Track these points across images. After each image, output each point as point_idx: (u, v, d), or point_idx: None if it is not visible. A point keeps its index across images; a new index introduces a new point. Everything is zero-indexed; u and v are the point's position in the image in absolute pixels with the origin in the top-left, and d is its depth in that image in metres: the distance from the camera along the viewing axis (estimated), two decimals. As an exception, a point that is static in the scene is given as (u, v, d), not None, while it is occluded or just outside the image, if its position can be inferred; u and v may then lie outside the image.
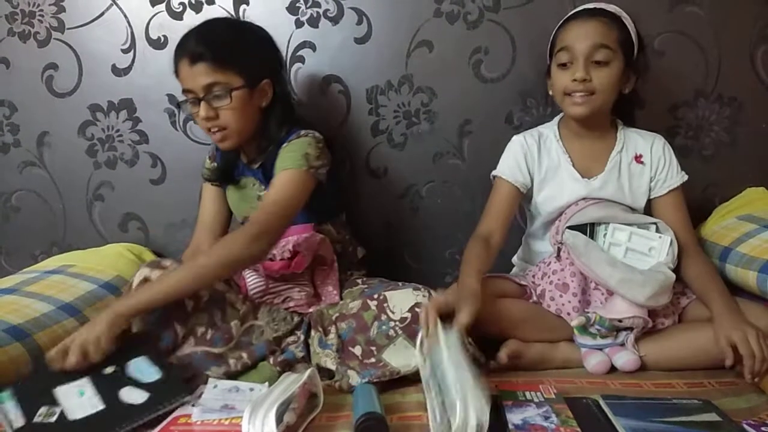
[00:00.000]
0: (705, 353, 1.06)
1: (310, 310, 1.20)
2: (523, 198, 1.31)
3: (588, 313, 1.12)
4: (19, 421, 0.86)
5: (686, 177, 1.27)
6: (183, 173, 1.53)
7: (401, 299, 1.08)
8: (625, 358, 1.08)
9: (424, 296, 1.08)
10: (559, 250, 1.21)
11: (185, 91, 1.19)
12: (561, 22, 1.23)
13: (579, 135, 1.27)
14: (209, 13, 1.46)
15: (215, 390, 0.94)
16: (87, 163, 1.57)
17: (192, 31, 1.18)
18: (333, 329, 1.10)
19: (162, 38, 1.48)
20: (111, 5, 1.49)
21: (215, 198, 1.38)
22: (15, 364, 1.01)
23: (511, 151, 1.29)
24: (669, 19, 1.43)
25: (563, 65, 1.19)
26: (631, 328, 1.10)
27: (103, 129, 1.55)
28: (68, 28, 1.51)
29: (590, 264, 1.13)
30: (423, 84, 1.48)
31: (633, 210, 1.26)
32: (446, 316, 0.97)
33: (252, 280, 1.22)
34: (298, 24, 1.47)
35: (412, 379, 1.01)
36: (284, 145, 1.21)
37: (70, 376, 0.94)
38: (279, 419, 0.80)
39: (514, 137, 1.31)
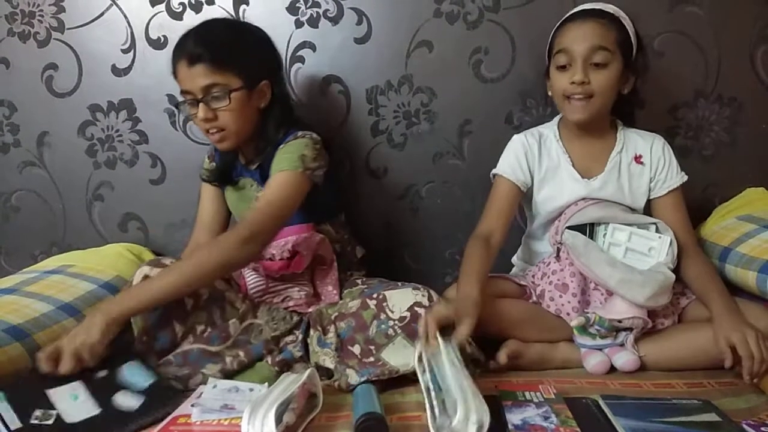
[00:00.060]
0: (705, 353, 1.06)
1: (310, 309, 1.20)
2: (523, 198, 1.31)
3: (587, 313, 1.12)
4: (14, 422, 0.86)
5: (686, 177, 1.27)
6: (183, 173, 1.53)
7: (400, 298, 1.08)
8: (624, 359, 1.08)
9: (423, 296, 1.08)
10: (558, 250, 1.21)
11: (183, 92, 1.19)
12: (559, 23, 1.23)
13: (579, 135, 1.27)
14: (209, 13, 1.46)
15: (215, 390, 0.94)
16: (87, 163, 1.57)
17: (190, 32, 1.18)
18: (332, 328, 1.10)
19: (162, 38, 1.49)
20: (111, 5, 1.49)
21: (214, 198, 1.38)
22: (14, 364, 1.00)
23: (512, 149, 1.29)
24: (669, 20, 1.43)
25: (562, 67, 1.19)
26: (630, 329, 1.10)
27: (103, 129, 1.55)
28: (68, 28, 1.51)
29: (590, 264, 1.13)
30: (423, 84, 1.48)
31: (633, 210, 1.26)
32: (446, 326, 0.97)
33: (251, 279, 1.22)
34: (298, 24, 1.47)
35: (412, 378, 1.01)
36: (281, 146, 1.20)
37: (61, 378, 0.93)
38: (278, 419, 0.80)
39: (515, 136, 1.30)
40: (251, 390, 0.95)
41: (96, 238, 1.59)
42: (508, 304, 1.16)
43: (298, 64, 1.48)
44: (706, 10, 1.42)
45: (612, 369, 1.09)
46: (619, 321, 1.09)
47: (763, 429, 0.84)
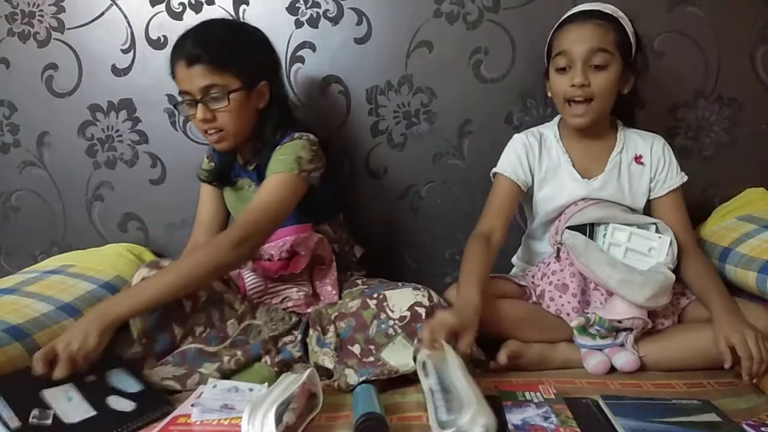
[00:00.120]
0: (705, 354, 1.05)
1: (309, 310, 1.20)
2: (523, 197, 1.30)
3: (587, 313, 1.12)
4: (14, 421, 0.86)
5: (686, 178, 1.27)
6: (183, 173, 1.53)
7: (401, 298, 1.08)
8: (624, 359, 1.08)
9: (423, 296, 1.08)
10: (558, 250, 1.21)
11: (182, 93, 1.19)
12: (557, 24, 1.23)
13: (579, 136, 1.27)
14: (209, 13, 1.46)
15: (214, 390, 0.94)
16: (87, 163, 1.57)
17: (189, 33, 1.18)
18: (332, 328, 1.10)
19: (162, 38, 1.49)
20: (111, 5, 1.49)
21: (213, 198, 1.38)
22: (14, 365, 1.00)
23: (513, 148, 1.29)
24: (668, 20, 1.43)
25: (561, 69, 1.19)
26: (630, 329, 1.10)
27: (103, 129, 1.55)
28: (68, 29, 1.51)
29: (590, 264, 1.13)
30: (423, 84, 1.48)
31: (633, 210, 1.25)
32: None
33: (250, 280, 1.23)
34: (298, 24, 1.47)
35: (412, 378, 1.01)
36: (278, 147, 1.20)
37: (52, 380, 0.93)
38: (278, 419, 0.80)
39: (516, 135, 1.30)
40: (251, 390, 0.95)
41: (96, 238, 1.59)
42: (508, 305, 1.16)
43: (298, 64, 1.48)
44: (706, 10, 1.42)
45: (612, 369, 1.09)
46: (619, 321, 1.09)
47: (763, 429, 0.84)
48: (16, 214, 1.62)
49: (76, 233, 1.60)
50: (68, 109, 1.54)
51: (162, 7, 1.48)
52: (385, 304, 1.08)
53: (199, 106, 1.16)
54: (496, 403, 0.88)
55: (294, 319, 1.16)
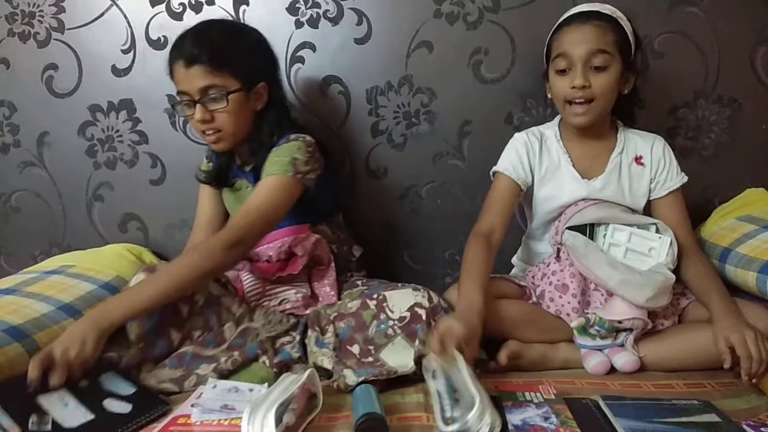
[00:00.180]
0: (705, 354, 1.05)
1: (307, 311, 1.19)
2: (523, 197, 1.30)
3: (588, 314, 1.12)
4: (13, 429, 0.85)
5: (686, 178, 1.27)
6: (183, 174, 1.53)
7: (401, 299, 1.08)
8: (624, 359, 1.08)
9: (423, 297, 1.08)
10: (558, 250, 1.21)
11: (180, 93, 1.19)
12: (556, 26, 1.23)
13: (579, 136, 1.27)
14: (209, 13, 1.46)
15: (214, 390, 0.94)
16: (87, 163, 1.57)
17: (187, 33, 1.18)
18: (331, 328, 1.09)
19: (162, 39, 1.49)
20: (111, 6, 1.49)
21: (212, 198, 1.38)
22: (14, 365, 1.00)
23: (514, 147, 1.28)
24: (668, 20, 1.43)
25: (561, 71, 1.18)
26: (630, 329, 1.10)
27: (103, 129, 1.55)
28: (68, 29, 1.51)
29: (590, 265, 1.13)
30: (423, 85, 1.48)
31: (632, 211, 1.25)
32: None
33: (248, 282, 1.22)
34: (298, 24, 1.47)
35: (412, 379, 1.01)
36: (274, 148, 1.20)
37: (46, 385, 0.92)
38: (278, 420, 0.80)
39: (516, 134, 1.30)
40: (251, 390, 0.95)
41: (96, 238, 1.59)
42: (508, 305, 1.16)
43: (298, 65, 1.48)
44: (706, 11, 1.42)
45: (612, 369, 1.09)
46: (619, 322, 1.09)
47: (762, 429, 0.84)
48: (16, 214, 1.62)
49: (76, 233, 1.60)
50: (68, 109, 1.54)
51: (162, 7, 1.48)
52: (384, 304, 1.08)
53: (198, 106, 1.16)
54: (497, 404, 0.88)
55: (292, 320, 1.15)
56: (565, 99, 1.19)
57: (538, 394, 0.93)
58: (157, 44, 1.49)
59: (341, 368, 1.02)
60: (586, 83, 1.15)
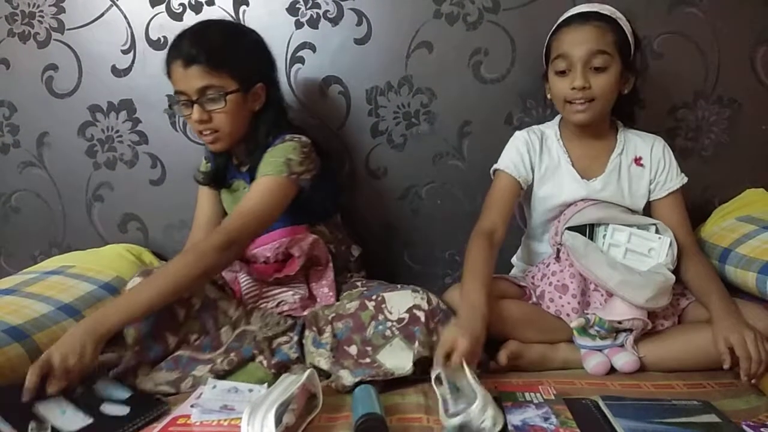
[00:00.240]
0: (704, 354, 1.05)
1: (304, 313, 1.18)
2: (523, 196, 1.30)
3: (587, 314, 1.12)
4: None
5: (686, 179, 1.27)
6: (182, 174, 1.53)
7: (399, 300, 1.08)
8: (624, 359, 1.08)
9: (422, 298, 1.07)
10: (558, 251, 1.21)
11: (177, 93, 1.18)
12: (555, 26, 1.23)
13: (579, 136, 1.27)
14: (209, 14, 1.46)
15: (214, 390, 0.94)
16: (86, 163, 1.57)
17: (186, 33, 1.17)
18: (328, 329, 1.09)
19: (162, 39, 1.48)
20: (111, 6, 1.49)
21: (211, 199, 1.38)
22: (14, 365, 1.00)
23: (514, 145, 1.28)
24: (668, 20, 1.43)
25: (561, 72, 1.18)
26: (630, 330, 1.10)
27: (103, 130, 1.55)
28: (68, 29, 1.51)
29: (589, 265, 1.13)
30: (423, 85, 1.48)
31: (632, 212, 1.25)
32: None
33: (245, 284, 1.22)
34: (298, 25, 1.47)
35: (412, 379, 1.01)
36: (269, 149, 1.20)
37: (42, 393, 0.92)
38: (278, 420, 0.80)
39: (517, 132, 1.30)
40: (251, 391, 0.95)
41: (96, 238, 1.59)
42: (508, 305, 1.16)
43: (298, 65, 1.48)
44: (706, 11, 1.42)
45: (612, 370, 1.09)
46: (619, 322, 1.09)
47: (762, 430, 0.84)
48: (16, 214, 1.62)
49: (76, 234, 1.60)
50: (68, 109, 1.54)
51: (162, 7, 1.48)
52: (383, 305, 1.08)
53: (195, 106, 1.16)
54: (498, 405, 0.88)
55: (289, 322, 1.15)
56: (565, 99, 1.19)
57: (538, 395, 0.93)
58: (157, 44, 1.49)
59: (337, 369, 1.02)
60: (586, 84, 1.15)
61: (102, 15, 1.50)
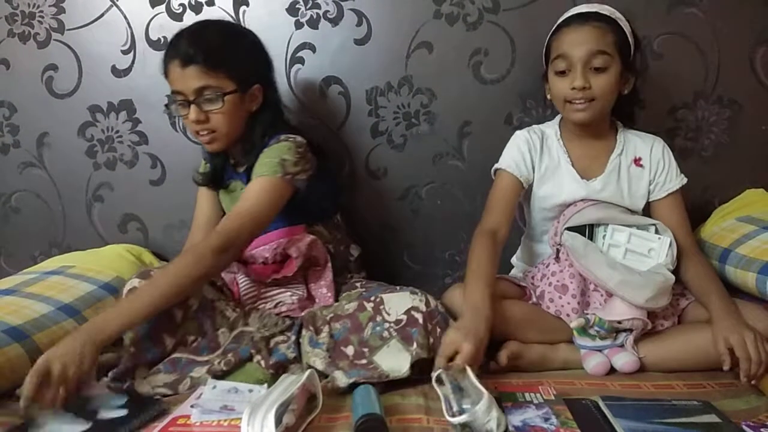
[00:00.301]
0: (704, 355, 1.05)
1: (303, 313, 1.18)
2: (523, 196, 1.30)
3: (587, 314, 1.12)
4: None
5: (685, 180, 1.26)
6: (182, 174, 1.52)
7: (398, 302, 1.07)
8: (624, 360, 1.08)
9: (420, 300, 1.07)
10: (558, 251, 1.21)
11: (175, 93, 1.18)
12: (555, 26, 1.23)
13: (579, 136, 1.27)
14: (209, 14, 1.46)
15: (214, 391, 0.94)
16: (86, 164, 1.57)
17: (183, 33, 1.17)
18: (326, 329, 1.08)
19: (162, 39, 1.48)
20: (111, 6, 1.49)
21: (210, 200, 1.38)
22: (14, 366, 1.01)
23: (515, 144, 1.28)
24: (668, 21, 1.43)
25: (561, 72, 1.18)
26: (630, 330, 1.10)
27: (103, 130, 1.55)
28: (68, 29, 1.51)
29: (589, 266, 1.13)
30: (423, 85, 1.48)
31: (631, 212, 1.25)
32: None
33: (244, 285, 1.22)
34: (298, 25, 1.47)
35: (412, 379, 1.01)
36: (265, 149, 1.20)
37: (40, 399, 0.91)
38: (278, 420, 0.80)
39: (518, 132, 1.30)
40: (251, 391, 0.95)
41: (95, 238, 1.59)
42: (508, 306, 1.16)
43: (297, 65, 1.48)
44: (706, 11, 1.42)
45: (612, 370, 1.09)
46: (619, 322, 1.09)
47: (762, 430, 0.84)
48: (16, 214, 1.62)
49: (76, 234, 1.60)
50: (68, 109, 1.54)
51: (162, 8, 1.48)
52: (381, 307, 1.07)
53: (192, 107, 1.16)
54: (499, 406, 0.88)
55: (287, 322, 1.14)
56: (565, 100, 1.19)
57: (538, 395, 0.93)
58: (157, 45, 1.49)
59: (332, 369, 1.01)
60: (586, 84, 1.15)
61: (102, 15, 1.50)
